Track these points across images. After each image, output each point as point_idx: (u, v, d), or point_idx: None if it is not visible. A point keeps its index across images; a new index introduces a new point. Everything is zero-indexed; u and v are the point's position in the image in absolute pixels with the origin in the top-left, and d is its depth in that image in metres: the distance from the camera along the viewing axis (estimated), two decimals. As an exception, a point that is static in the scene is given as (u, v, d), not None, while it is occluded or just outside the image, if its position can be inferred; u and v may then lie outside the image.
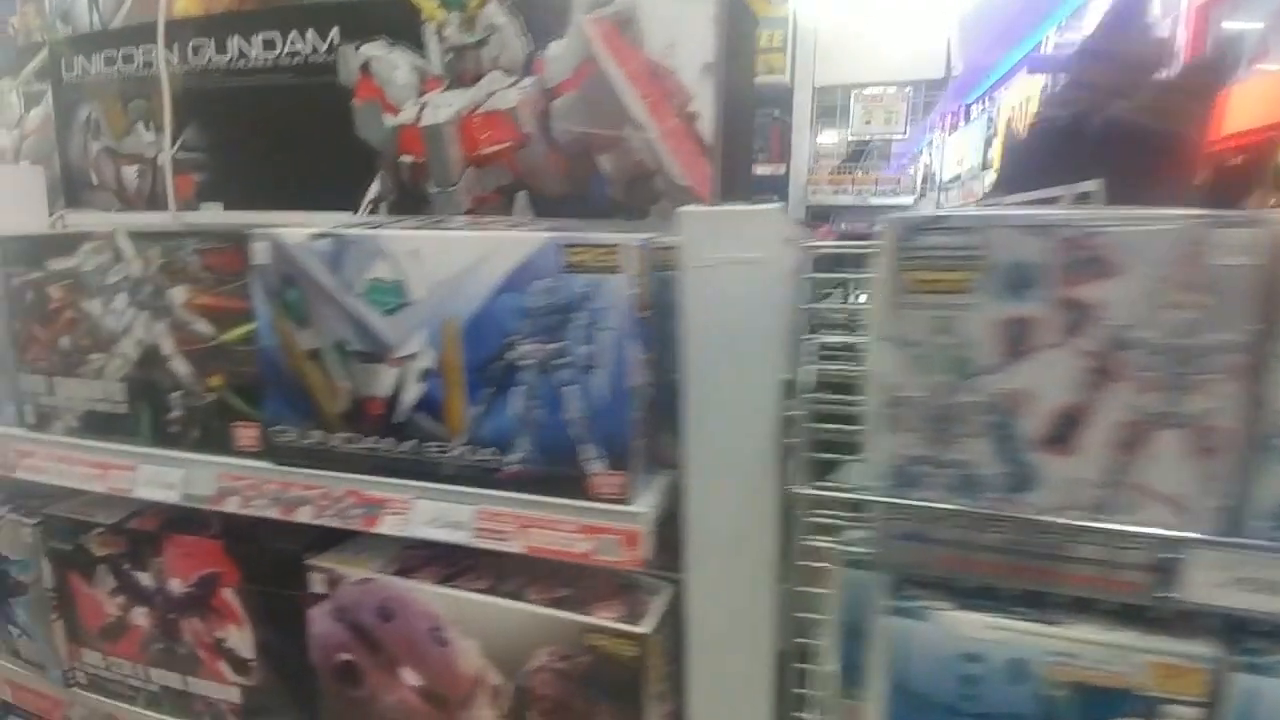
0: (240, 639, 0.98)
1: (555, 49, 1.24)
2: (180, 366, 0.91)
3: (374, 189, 1.40)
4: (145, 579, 1.01)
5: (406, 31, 1.31)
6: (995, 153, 5.71)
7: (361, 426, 0.85)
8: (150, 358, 0.92)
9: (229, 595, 0.97)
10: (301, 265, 0.83)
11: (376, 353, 0.82)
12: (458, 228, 0.82)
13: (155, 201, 1.60)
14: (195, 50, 1.50)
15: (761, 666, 0.81)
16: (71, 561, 1.05)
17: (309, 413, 0.86)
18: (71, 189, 1.71)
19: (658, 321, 0.79)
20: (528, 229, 0.80)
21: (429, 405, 0.82)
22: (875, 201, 5.75)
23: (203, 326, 0.89)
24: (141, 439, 0.95)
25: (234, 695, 1.01)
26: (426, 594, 0.87)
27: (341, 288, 0.82)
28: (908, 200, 5.87)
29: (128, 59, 1.59)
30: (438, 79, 1.33)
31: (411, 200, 1.38)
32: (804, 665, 0.82)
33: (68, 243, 0.94)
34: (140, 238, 0.90)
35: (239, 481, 0.90)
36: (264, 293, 0.85)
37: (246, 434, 0.90)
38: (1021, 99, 5.11)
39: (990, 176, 5.70)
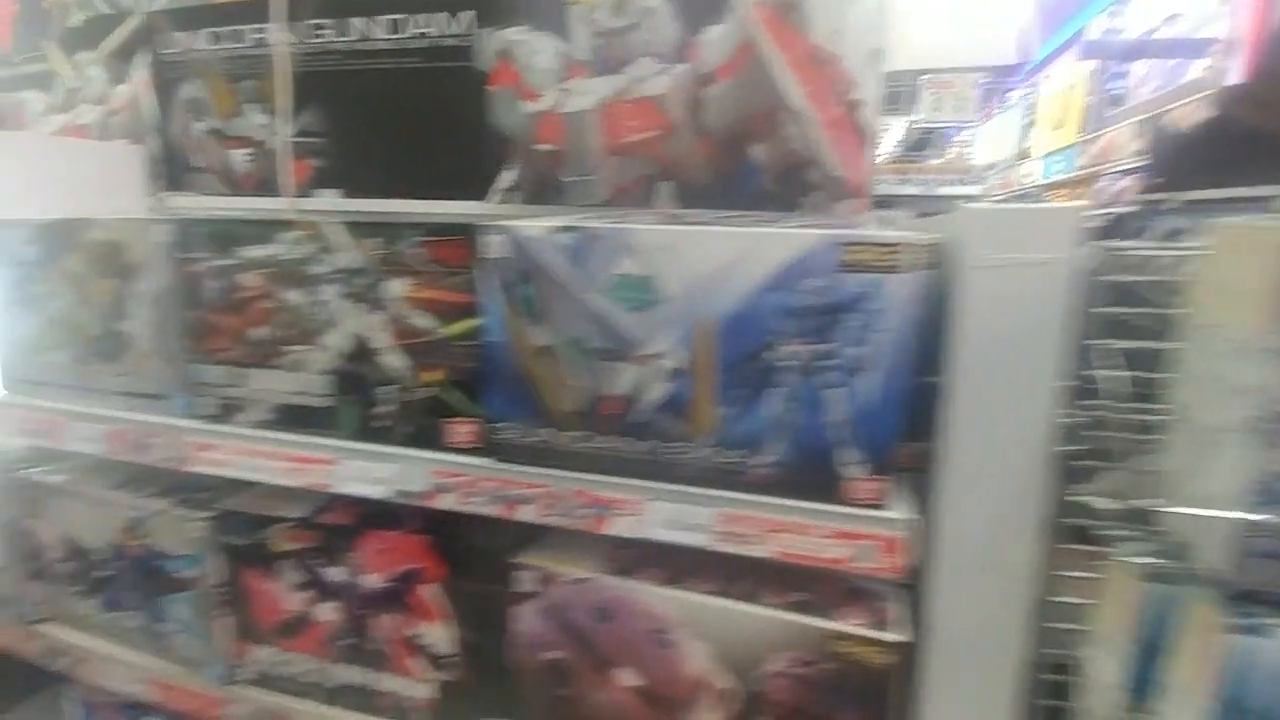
0: (437, 635, 0.97)
1: (711, 34, 1.20)
2: (394, 361, 0.89)
3: (507, 177, 1.37)
4: (336, 574, 0.99)
5: (551, 16, 1.27)
6: (1034, 141, 5.66)
7: (594, 425, 0.83)
8: (361, 351, 0.90)
9: (428, 591, 0.95)
10: (540, 259, 0.80)
11: (618, 350, 0.80)
12: (714, 223, 0.79)
13: (266, 187, 1.56)
14: (314, 30, 1.46)
15: (1009, 677, 0.80)
16: (248, 557, 1.03)
17: (536, 410, 0.84)
18: (172, 170, 1.67)
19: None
20: (794, 225, 0.78)
21: (673, 405, 0.80)
22: (943, 191, 5.68)
23: (422, 320, 0.87)
24: (343, 433, 0.93)
25: (425, 691, 0.99)
26: (654, 596, 0.85)
27: (584, 283, 0.79)
28: (974, 189, 5.80)
29: (236, 36, 1.54)
30: (582, 65, 1.29)
31: (547, 189, 1.35)
32: (1054, 677, 0.82)
33: (265, 230, 0.91)
34: (356, 228, 0.87)
35: (454, 478, 0.88)
36: (497, 287, 0.82)
37: (463, 430, 0.88)
38: (1067, 86, 5.05)
39: (1030, 166, 5.66)
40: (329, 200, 1.52)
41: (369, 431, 0.92)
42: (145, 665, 1.16)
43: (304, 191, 1.53)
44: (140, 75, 1.98)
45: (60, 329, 1.09)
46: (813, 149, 1.18)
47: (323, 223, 0.88)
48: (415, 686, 1.00)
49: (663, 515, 0.82)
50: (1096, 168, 4.73)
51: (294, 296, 0.91)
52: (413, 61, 1.41)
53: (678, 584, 0.87)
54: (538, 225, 0.80)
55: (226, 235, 0.93)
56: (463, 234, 0.84)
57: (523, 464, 0.86)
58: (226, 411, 0.99)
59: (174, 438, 1.00)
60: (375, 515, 0.99)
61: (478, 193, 1.35)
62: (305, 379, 0.93)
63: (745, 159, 1.22)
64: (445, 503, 0.89)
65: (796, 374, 0.75)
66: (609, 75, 1.29)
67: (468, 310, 0.85)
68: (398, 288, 0.87)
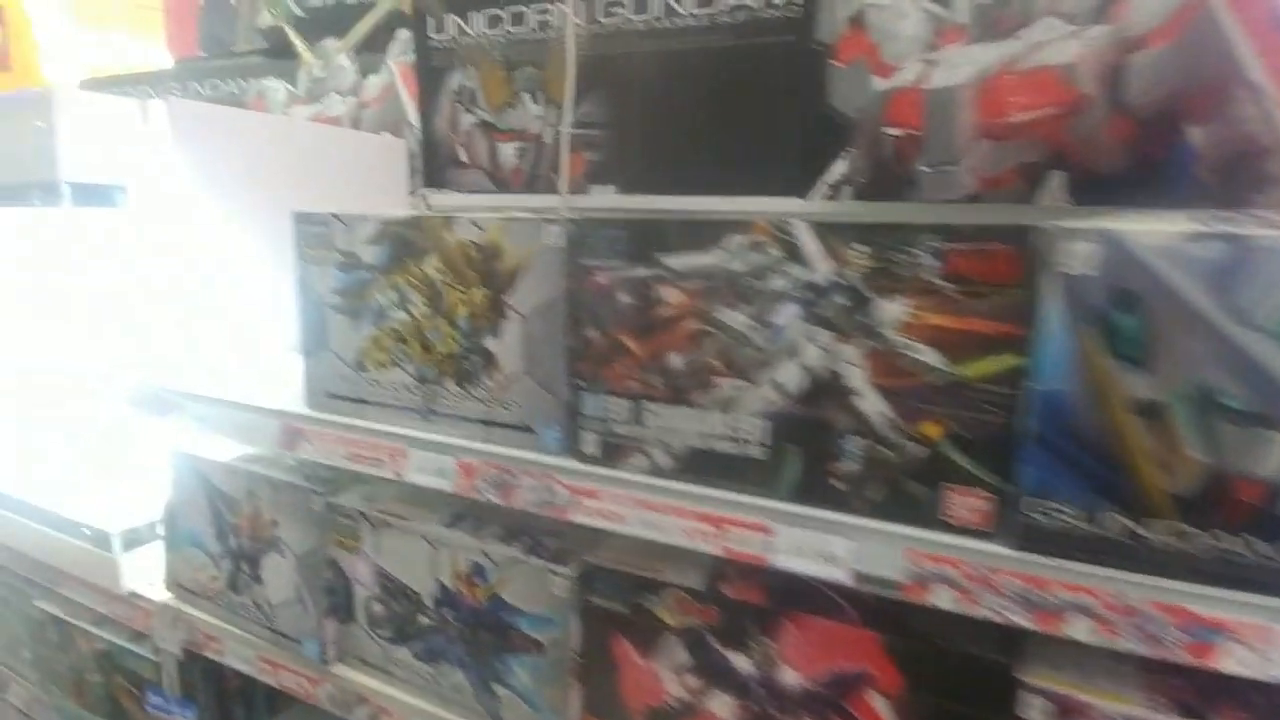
0: (881, 759, 0.75)
1: (1150, -11, 0.92)
2: (872, 405, 0.68)
3: (837, 169, 1.15)
4: (739, 661, 0.80)
5: (925, -28, 1.04)
6: None
7: (1212, 517, 0.58)
8: (822, 390, 0.69)
9: (877, 702, 0.74)
10: (1158, 277, 0.56)
11: (1276, 413, 0.54)
12: None
13: (534, 184, 1.42)
14: (608, 8, 1.29)
15: None
16: (622, 624, 0.86)
17: (1109, 487, 0.60)
18: (433, 166, 1.57)
19: None
20: None
21: (1369, 499, 0.53)
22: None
23: (926, 354, 0.65)
24: (780, 493, 0.73)
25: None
26: (1277, 765, 0.59)
27: (1232, 314, 0.55)
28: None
29: (518, 19, 1.41)
30: (960, 29, 1.04)
31: (889, 183, 1.11)
32: None
33: (704, 233, 0.73)
34: (837, 232, 0.67)
35: (950, 567, 0.66)
36: (1071, 314, 0.59)
37: (969, 504, 0.66)
38: None
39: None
40: (603, 198, 1.36)
41: (818, 493, 0.71)
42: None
43: (576, 188, 1.39)
44: (398, 64, 1.93)
45: (401, 342, 0.97)
46: (1276, 134, 0.88)
47: (790, 223, 0.68)
48: (834, 814, 0.79)
49: (1321, 655, 0.56)
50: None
51: (733, 317, 0.72)
52: (724, 39, 1.21)
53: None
54: (1158, 229, 0.56)
55: (648, 239, 0.76)
56: (1008, 240, 0.61)
57: (1073, 559, 0.62)
58: (614, 453, 0.82)
59: (547, 478, 0.85)
60: (791, 594, 0.79)
61: (796, 188, 1.14)
62: (735, 420, 0.74)
63: (1177, 144, 0.94)
64: (940, 599, 0.67)
65: None
66: (996, 41, 1.04)
67: (1000, 343, 0.62)
68: (892, 310, 0.66)
